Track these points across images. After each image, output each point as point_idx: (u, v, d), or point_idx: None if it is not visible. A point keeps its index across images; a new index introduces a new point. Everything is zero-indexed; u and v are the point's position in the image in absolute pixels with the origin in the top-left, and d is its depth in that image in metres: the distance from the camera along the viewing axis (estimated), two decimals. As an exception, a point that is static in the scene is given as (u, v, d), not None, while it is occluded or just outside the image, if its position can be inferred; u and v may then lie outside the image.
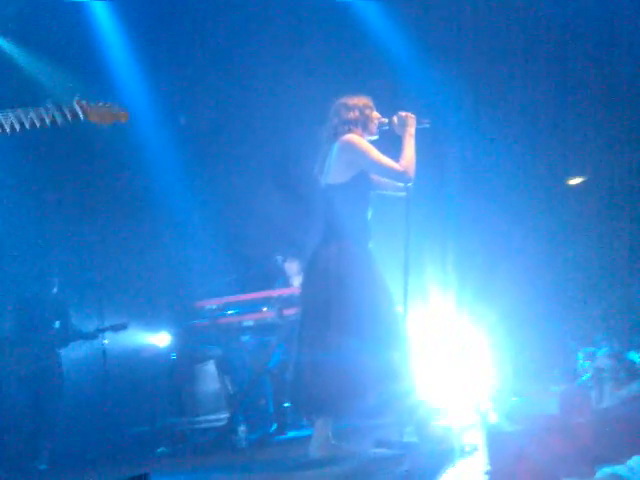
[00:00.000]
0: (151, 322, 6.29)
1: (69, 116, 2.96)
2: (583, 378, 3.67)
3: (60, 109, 2.95)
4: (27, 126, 2.89)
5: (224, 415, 4.93)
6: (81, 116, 3.00)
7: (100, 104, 3.09)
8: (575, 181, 6.83)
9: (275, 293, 5.19)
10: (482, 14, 6.18)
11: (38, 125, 2.91)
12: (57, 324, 5.42)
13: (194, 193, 6.86)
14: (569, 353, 4.74)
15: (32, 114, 2.89)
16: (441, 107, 5.98)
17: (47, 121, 2.92)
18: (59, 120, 2.94)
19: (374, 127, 3.74)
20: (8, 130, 2.87)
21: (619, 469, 2.01)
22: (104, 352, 5.56)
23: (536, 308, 5.71)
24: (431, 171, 3.72)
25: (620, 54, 6.09)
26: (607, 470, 2.04)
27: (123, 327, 5.54)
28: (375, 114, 3.76)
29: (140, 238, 6.58)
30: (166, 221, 6.77)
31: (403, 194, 3.69)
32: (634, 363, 3.31)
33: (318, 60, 6.36)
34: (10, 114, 2.87)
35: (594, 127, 6.29)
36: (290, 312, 4.75)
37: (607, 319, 5.32)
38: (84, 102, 3.03)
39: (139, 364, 5.86)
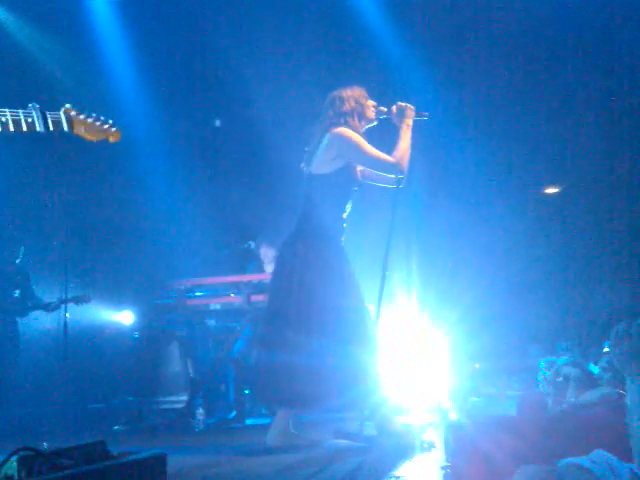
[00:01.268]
0: (117, 299, 6.22)
1: (51, 126, 2.66)
2: (542, 385, 3.74)
3: (43, 116, 2.65)
4: None
5: (183, 397, 4.89)
6: (65, 127, 2.71)
7: (91, 119, 2.80)
8: (549, 189, 6.95)
9: (244, 278, 5.17)
10: (470, 15, 6.23)
11: (12, 130, 2.59)
12: (17, 293, 5.32)
13: (168, 172, 6.80)
14: (529, 358, 4.83)
15: (8, 117, 2.58)
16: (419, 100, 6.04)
17: (24, 127, 2.60)
18: (38, 127, 2.63)
19: (371, 113, 3.72)
20: None
21: (581, 460, 2.05)
22: (65, 325, 5.46)
23: (497, 311, 5.80)
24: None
25: (599, 63, 6.20)
26: (568, 460, 2.07)
27: (85, 300, 5.45)
28: (370, 102, 3.74)
29: (111, 213, 6.50)
30: (139, 196, 6.71)
31: (393, 186, 3.67)
32: (593, 374, 3.39)
33: (312, 55, 6.36)
34: None
35: (572, 137, 6.41)
36: (258, 298, 4.73)
37: (567, 327, 5.43)
38: (73, 112, 2.75)
39: (101, 341, 5.80)
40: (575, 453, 2.19)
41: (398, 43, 6.54)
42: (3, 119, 2.59)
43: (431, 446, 3.26)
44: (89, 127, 2.81)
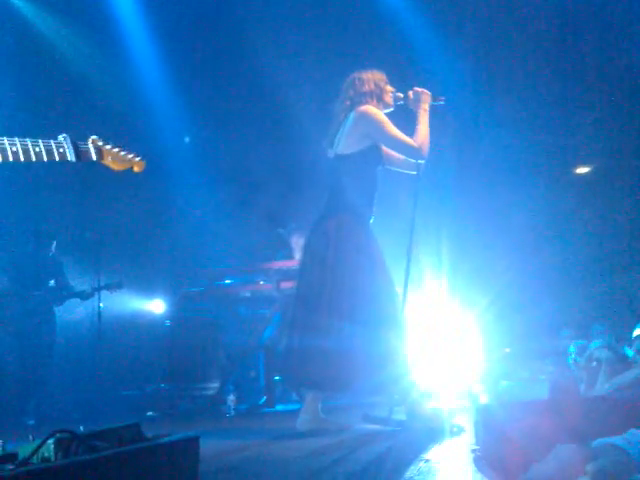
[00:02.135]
0: (148, 288, 6.31)
1: (82, 156, 2.81)
2: (573, 368, 3.69)
3: (74, 146, 2.77)
4: (33, 159, 2.68)
5: (215, 384, 4.95)
6: (93, 157, 2.85)
7: (117, 149, 2.95)
8: (581, 170, 6.80)
9: (274, 265, 5.18)
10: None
11: (45, 159, 2.70)
12: (52, 282, 5.45)
13: (200, 158, 6.85)
14: (562, 341, 4.75)
15: (41, 147, 2.69)
16: (447, 85, 5.96)
17: (56, 157, 2.73)
18: (69, 157, 2.76)
19: (389, 99, 3.71)
20: (11, 158, 2.64)
21: (616, 440, 2.02)
22: (99, 315, 5.57)
23: (529, 295, 5.71)
24: (428, 156, 3.68)
25: (626, 44, 6.03)
26: (603, 440, 2.04)
27: (119, 286, 5.55)
28: (389, 87, 3.73)
29: (141, 202, 6.57)
30: (169, 186, 6.77)
31: (414, 172, 3.66)
32: (627, 356, 3.32)
33: (334, 38, 6.32)
34: (17, 143, 2.66)
35: (605, 116, 6.26)
36: (288, 285, 4.74)
37: (601, 310, 5.32)
38: (100, 142, 2.89)
39: (134, 329, 5.90)
40: (609, 435, 2.16)
41: (423, 24, 6.46)
42: (37, 149, 2.70)
43: (461, 430, 3.24)
44: (115, 157, 2.96)
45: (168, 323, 5.54)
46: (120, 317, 5.95)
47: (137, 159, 3.06)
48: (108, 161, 2.93)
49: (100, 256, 5.78)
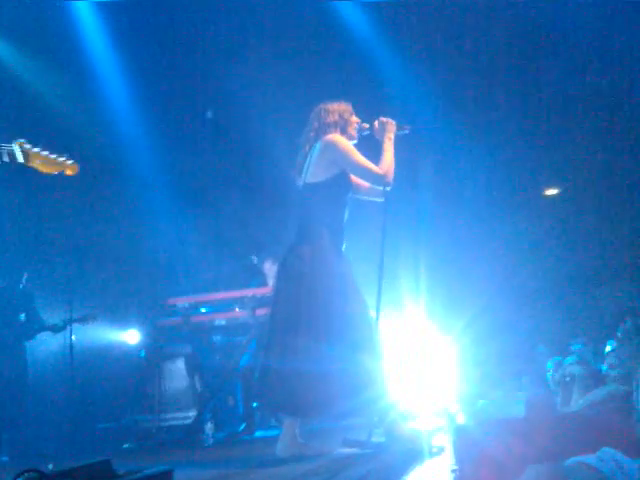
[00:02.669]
0: (121, 319, 6.23)
1: (6, 157, 2.85)
2: (550, 384, 3.74)
3: None
4: None
5: (192, 413, 4.90)
6: (19, 158, 2.88)
7: (45, 152, 2.97)
8: (550, 192, 6.96)
9: (248, 292, 5.18)
10: (464, 23, 6.28)
11: None
12: (22, 317, 5.36)
13: (168, 189, 6.84)
14: (538, 359, 4.82)
15: None
16: (419, 112, 6.08)
17: None
18: None
19: (353, 131, 3.79)
20: None
21: (588, 458, 2.05)
22: (72, 347, 5.48)
23: (505, 314, 5.79)
24: (405, 178, 3.75)
25: (597, 67, 6.23)
26: (576, 459, 2.07)
27: (92, 318, 5.47)
28: (354, 118, 3.80)
29: (112, 232, 6.52)
30: (140, 217, 6.74)
31: (381, 199, 3.73)
32: (600, 371, 3.38)
33: (302, 67, 6.41)
34: None
35: (572, 139, 6.43)
36: (263, 312, 4.73)
37: (576, 327, 5.42)
38: (27, 145, 2.92)
39: (107, 360, 5.80)
40: (583, 453, 2.19)
41: (390, 55, 6.60)
42: None
43: (440, 450, 3.25)
44: (44, 160, 2.98)
45: (143, 353, 5.48)
46: (93, 349, 5.86)
47: (69, 162, 3.06)
48: (36, 164, 2.94)
49: (72, 287, 5.70)
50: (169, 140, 6.84)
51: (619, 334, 2.31)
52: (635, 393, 2.28)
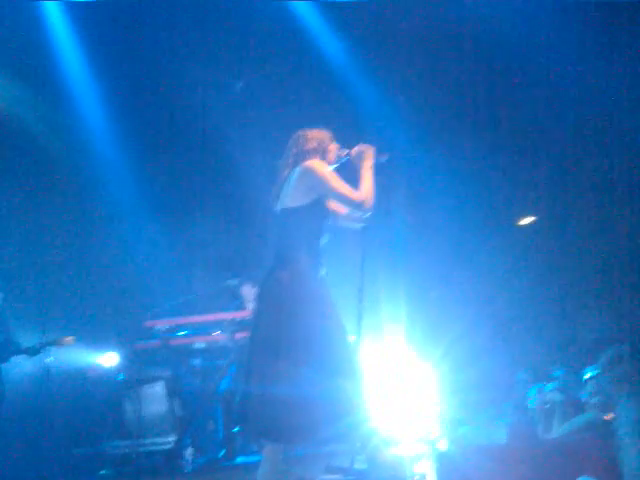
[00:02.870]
0: (99, 341, 6.14)
1: None
2: (532, 411, 3.77)
3: None
4: None
5: (171, 438, 4.82)
6: None
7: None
8: (528, 219, 7.08)
9: (228, 316, 5.17)
10: (440, 52, 6.40)
11: None
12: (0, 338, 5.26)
13: (148, 211, 6.81)
14: (519, 386, 4.85)
15: None
16: (396, 139, 6.17)
17: None
18: None
19: (332, 157, 3.82)
20: None
21: None
22: (48, 370, 5.38)
23: (485, 340, 5.84)
24: (382, 205, 3.79)
25: (571, 97, 6.38)
26: None
27: (67, 342, 5.36)
28: (333, 145, 3.85)
29: (91, 254, 6.47)
30: (117, 238, 6.69)
31: (360, 226, 3.76)
32: (580, 398, 3.42)
33: (281, 93, 6.47)
34: None
35: (546, 169, 6.56)
36: (242, 335, 4.72)
37: (556, 353, 5.48)
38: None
39: (85, 384, 5.69)
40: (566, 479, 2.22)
41: (370, 82, 6.70)
42: None
43: (422, 477, 3.26)
44: None
45: (121, 376, 5.39)
46: (70, 372, 5.75)
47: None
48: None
49: (47, 309, 5.63)
50: (147, 165, 6.82)
51: (603, 361, 2.35)
52: (616, 421, 2.32)
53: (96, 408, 5.33)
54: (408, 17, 6.25)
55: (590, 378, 3.51)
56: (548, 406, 3.39)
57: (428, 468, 3.36)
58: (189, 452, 4.35)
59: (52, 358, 5.36)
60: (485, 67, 6.45)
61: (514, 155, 6.60)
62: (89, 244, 6.49)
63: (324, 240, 3.74)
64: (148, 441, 4.85)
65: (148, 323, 5.34)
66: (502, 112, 6.58)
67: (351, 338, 3.73)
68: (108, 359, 6.00)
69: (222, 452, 4.95)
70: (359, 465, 3.50)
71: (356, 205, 3.66)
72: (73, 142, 6.60)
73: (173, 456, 4.62)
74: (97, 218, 6.65)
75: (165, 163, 6.86)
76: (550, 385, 3.67)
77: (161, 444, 4.83)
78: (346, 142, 3.89)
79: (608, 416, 2.82)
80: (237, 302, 5.79)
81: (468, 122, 6.55)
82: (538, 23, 6.07)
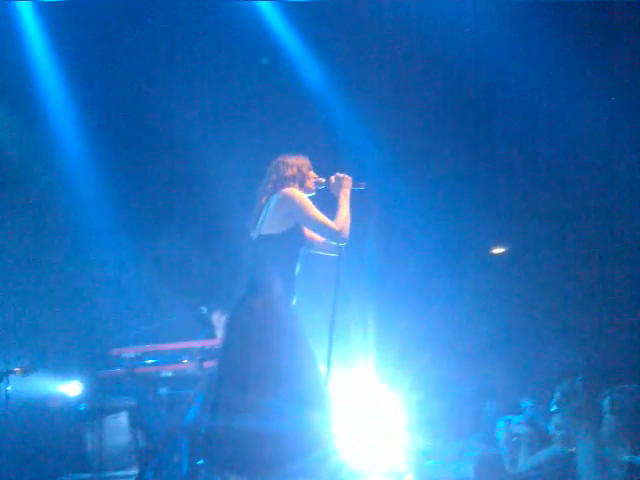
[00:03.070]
0: (61, 369, 5.98)
1: None
2: (499, 444, 3.75)
3: None
4: None
5: (133, 472, 4.69)
6: None
7: None
8: (497, 250, 7.15)
9: (197, 344, 5.09)
10: (414, 76, 6.48)
11: None
12: (-40, 366, 5.09)
13: (115, 235, 6.72)
14: (486, 418, 4.84)
15: None
16: (365, 167, 6.22)
17: None
18: None
19: (311, 184, 3.85)
20: None
21: None
22: (7, 398, 5.21)
23: (452, 372, 5.84)
24: (352, 233, 3.80)
25: (543, 128, 6.49)
26: None
27: (30, 370, 5.21)
28: (312, 173, 3.87)
29: (55, 279, 6.33)
30: (82, 262, 6.57)
31: (335, 254, 3.77)
32: (547, 431, 3.42)
33: (258, 120, 6.49)
34: None
35: (519, 198, 6.64)
36: (211, 364, 4.64)
37: (525, 385, 5.49)
38: None
39: (45, 414, 5.52)
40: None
41: (347, 110, 6.76)
42: None
43: (389, 511, 3.21)
44: None
45: (83, 406, 5.24)
46: (30, 400, 5.58)
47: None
48: None
49: (9, 338, 5.47)
50: (114, 186, 6.74)
51: (559, 394, 2.35)
52: (576, 456, 2.32)
53: (56, 439, 5.16)
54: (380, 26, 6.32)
55: (555, 411, 3.52)
56: (515, 439, 3.38)
57: (395, 503, 3.31)
58: (151, 486, 4.23)
59: (10, 387, 5.20)
60: (458, 93, 6.55)
61: (488, 184, 6.68)
62: (52, 268, 6.36)
63: (297, 269, 3.73)
64: (109, 475, 4.71)
65: (114, 351, 5.21)
66: (476, 138, 6.67)
67: (321, 368, 3.69)
68: (71, 388, 5.85)
69: (186, 486, 4.82)
70: (326, 499, 3.43)
71: (333, 234, 3.67)
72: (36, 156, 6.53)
73: (134, 490, 4.48)
74: (61, 242, 6.53)
75: (134, 186, 6.78)
76: (517, 418, 3.67)
77: (122, 478, 4.69)
78: (322, 169, 3.92)
79: (573, 449, 2.83)
80: (208, 330, 5.71)
81: (442, 148, 6.62)
82: (511, 42, 6.19)
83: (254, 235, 3.76)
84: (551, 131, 6.43)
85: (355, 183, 3.86)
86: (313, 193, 3.87)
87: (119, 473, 4.73)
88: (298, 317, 3.67)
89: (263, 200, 3.79)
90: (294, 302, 3.71)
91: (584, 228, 6.36)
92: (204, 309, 5.75)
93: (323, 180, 3.87)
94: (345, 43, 6.51)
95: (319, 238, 3.82)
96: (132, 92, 6.55)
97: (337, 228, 3.67)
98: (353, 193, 3.84)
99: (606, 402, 2.74)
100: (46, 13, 6.42)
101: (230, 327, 3.67)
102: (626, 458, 2.68)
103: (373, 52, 6.46)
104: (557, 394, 2.40)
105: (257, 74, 6.62)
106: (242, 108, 6.54)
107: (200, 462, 4.73)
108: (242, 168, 5.70)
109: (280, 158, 3.87)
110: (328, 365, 3.59)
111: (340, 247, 3.72)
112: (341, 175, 3.84)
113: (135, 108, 6.59)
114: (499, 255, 7.16)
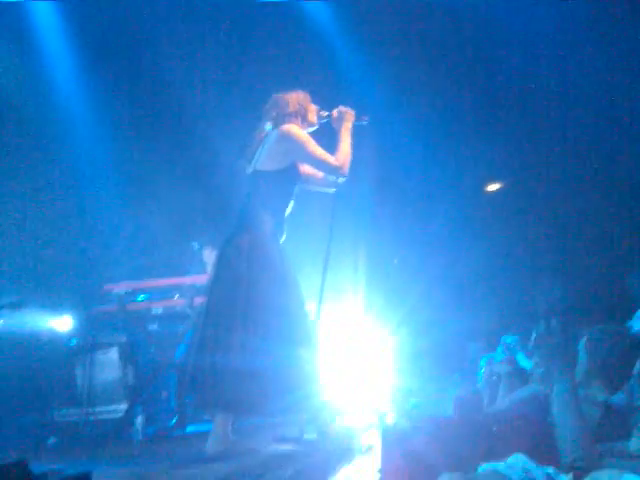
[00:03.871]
0: (52, 305, 6.01)
1: None
2: (480, 382, 3.79)
3: None
4: None
5: (123, 406, 4.76)
6: None
7: None
8: (491, 186, 7.08)
9: (187, 280, 5.07)
10: (417, 21, 6.28)
11: None
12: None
13: (106, 170, 6.64)
14: (469, 355, 4.89)
15: None
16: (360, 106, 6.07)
17: None
18: None
19: (314, 117, 3.78)
20: None
21: (499, 466, 2.09)
22: (-4, 332, 5.25)
23: (440, 309, 5.88)
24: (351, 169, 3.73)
25: (543, 61, 6.32)
26: (487, 466, 2.11)
27: (16, 306, 5.22)
28: (313, 106, 3.77)
29: (49, 214, 6.29)
30: (75, 198, 6.51)
31: (332, 190, 3.73)
32: (525, 370, 3.45)
33: (259, 56, 6.30)
34: None
35: (513, 133, 6.54)
36: (202, 301, 4.64)
37: (510, 323, 5.53)
38: None
39: (35, 348, 5.57)
40: (506, 453, 2.22)
41: (346, 46, 6.57)
42: None
43: (369, 449, 3.27)
44: None
45: (74, 341, 5.28)
46: (20, 335, 5.62)
47: None
48: None
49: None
50: (110, 124, 6.63)
51: (536, 334, 2.35)
52: (554, 392, 2.33)
53: (45, 374, 5.23)
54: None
55: (532, 350, 3.53)
56: (495, 378, 3.41)
57: (376, 439, 3.36)
58: (139, 421, 4.28)
59: (2, 321, 5.23)
60: (459, 27, 6.36)
61: (485, 116, 6.56)
62: (46, 204, 6.31)
63: (290, 207, 3.69)
64: (98, 409, 4.78)
65: (106, 287, 5.21)
66: (478, 72, 6.50)
67: (311, 305, 3.70)
68: (62, 323, 5.89)
69: (173, 421, 4.91)
70: (308, 436, 3.49)
71: (333, 169, 3.63)
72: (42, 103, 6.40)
73: (123, 425, 4.56)
74: (55, 178, 6.46)
75: (129, 125, 6.67)
76: (499, 356, 3.70)
77: (112, 412, 4.76)
78: (322, 103, 3.82)
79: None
80: (199, 266, 5.68)
81: (443, 84, 6.48)
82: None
83: (249, 170, 3.69)
84: (550, 64, 6.26)
85: (358, 117, 3.77)
86: (316, 126, 3.78)
87: (108, 408, 4.80)
88: (286, 255, 3.66)
89: (260, 136, 3.70)
90: (283, 239, 3.69)
91: (581, 165, 6.28)
92: (196, 245, 5.72)
93: (326, 113, 3.78)
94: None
95: (317, 174, 3.75)
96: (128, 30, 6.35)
97: (338, 163, 3.62)
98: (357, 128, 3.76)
99: (582, 342, 2.74)
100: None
101: (218, 263, 3.66)
102: (602, 398, 2.69)
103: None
104: (535, 333, 2.40)
105: (256, 10, 6.38)
106: (241, 43, 6.36)
107: (187, 398, 4.83)
108: (240, 104, 5.60)
109: (279, 94, 3.76)
110: (319, 304, 3.58)
111: (337, 182, 3.67)
112: (344, 109, 3.75)
113: (132, 48, 6.42)
114: (493, 192, 7.09)
